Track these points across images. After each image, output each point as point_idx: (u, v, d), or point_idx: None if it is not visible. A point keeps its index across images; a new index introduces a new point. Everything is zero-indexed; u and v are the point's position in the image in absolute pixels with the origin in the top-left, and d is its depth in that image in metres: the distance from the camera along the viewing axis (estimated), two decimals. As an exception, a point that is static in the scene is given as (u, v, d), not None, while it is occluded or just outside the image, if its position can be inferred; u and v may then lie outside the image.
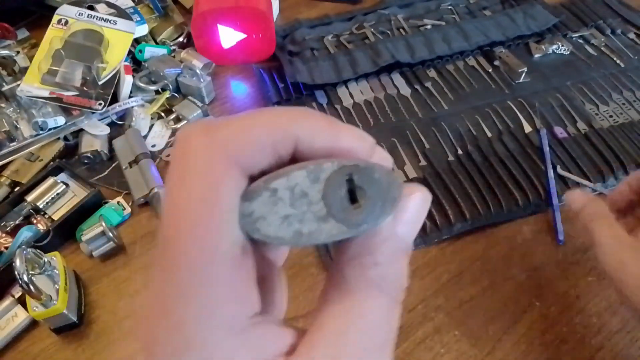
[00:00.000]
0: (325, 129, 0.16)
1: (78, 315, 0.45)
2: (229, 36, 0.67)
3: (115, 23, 0.64)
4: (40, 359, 0.44)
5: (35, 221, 0.51)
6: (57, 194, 0.53)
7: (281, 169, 0.15)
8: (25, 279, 0.40)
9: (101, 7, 0.66)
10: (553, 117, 0.63)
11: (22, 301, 0.45)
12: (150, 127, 0.62)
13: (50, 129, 0.58)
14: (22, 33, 0.73)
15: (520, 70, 0.67)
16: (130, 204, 0.54)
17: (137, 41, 0.68)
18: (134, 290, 0.48)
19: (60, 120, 0.58)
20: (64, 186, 0.54)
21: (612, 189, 0.54)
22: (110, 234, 0.48)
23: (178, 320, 0.15)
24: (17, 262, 0.40)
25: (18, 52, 0.68)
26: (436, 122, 0.62)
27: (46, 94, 0.58)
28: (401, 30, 0.75)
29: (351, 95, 0.66)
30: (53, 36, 0.62)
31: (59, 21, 0.63)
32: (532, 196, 0.54)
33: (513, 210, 0.53)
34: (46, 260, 0.44)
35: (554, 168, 0.56)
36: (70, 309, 0.44)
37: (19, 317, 0.45)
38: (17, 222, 0.51)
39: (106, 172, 0.57)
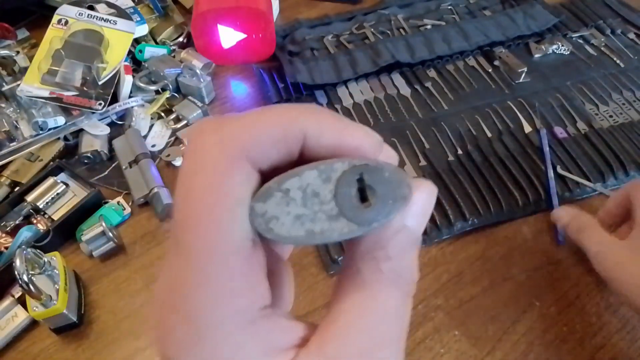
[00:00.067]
0: (333, 124, 0.16)
1: (78, 315, 0.45)
2: (229, 36, 0.67)
3: (115, 23, 0.64)
4: (40, 359, 0.44)
5: (35, 221, 0.51)
6: (57, 194, 0.53)
7: (292, 169, 0.16)
8: (25, 279, 0.40)
9: (101, 7, 0.66)
10: (553, 117, 0.63)
11: (22, 301, 0.45)
12: (150, 127, 0.62)
13: (50, 129, 0.58)
14: (22, 33, 0.73)
15: (520, 70, 0.67)
16: (130, 204, 0.54)
17: (137, 41, 0.68)
18: (134, 290, 0.48)
19: (60, 120, 0.58)
20: (64, 186, 0.54)
21: (612, 189, 0.55)
22: (110, 234, 0.48)
23: (190, 310, 0.15)
24: (17, 262, 0.40)
25: (18, 52, 0.68)
26: (436, 122, 0.62)
27: (46, 94, 0.58)
28: (401, 30, 0.75)
29: (351, 95, 0.66)
30: (53, 36, 0.62)
31: (59, 21, 0.63)
32: (532, 196, 0.54)
33: (513, 210, 0.53)
34: (46, 260, 0.44)
35: (554, 168, 0.56)
36: (70, 309, 0.44)
37: (19, 317, 0.45)
38: (17, 222, 0.51)
39: (106, 172, 0.57)
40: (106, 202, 0.54)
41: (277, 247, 0.20)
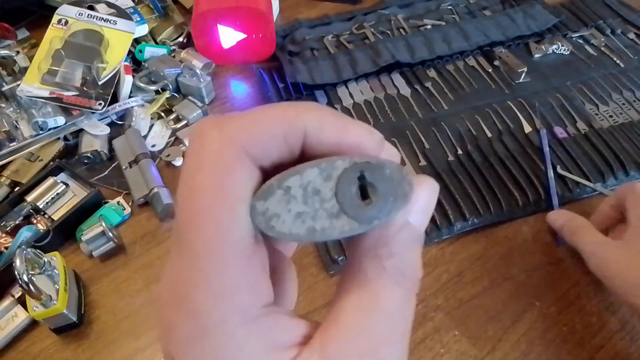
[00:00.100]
0: (334, 121, 0.16)
1: (78, 315, 0.45)
2: (229, 36, 0.67)
3: (115, 23, 0.64)
4: (40, 359, 0.44)
5: (35, 221, 0.51)
6: (57, 194, 0.53)
7: (293, 167, 0.16)
8: (25, 279, 0.40)
9: (101, 7, 0.66)
10: (553, 117, 0.63)
11: (22, 301, 0.45)
12: (150, 127, 0.62)
13: (50, 129, 0.58)
14: (22, 33, 0.73)
15: (520, 70, 0.67)
16: (130, 204, 0.54)
17: (137, 41, 0.68)
18: (134, 290, 0.48)
19: (60, 120, 0.58)
20: (64, 186, 0.54)
21: (612, 189, 0.55)
22: (110, 234, 0.48)
23: (192, 308, 0.15)
24: (17, 262, 0.40)
25: (18, 52, 0.68)
26: (436, 122, 0.62)
27: (46, 94, 0.58)
28: (401, 30, 0.75)
29: (351, 95, 0.66)
30: (53, 36, 0.62)
31: (59, 21, 0.63)
32: (532, 196, 0.54)
33: (513, 210, 0.53)
34: (46, 260, 0.44)
35: (554, 168, 0.56)
36: (70, 309, 0.44)
37: (19, 317, 0.45)
38: (17, 222, 0.51)
39: (106, 172, 0.57)
40: (106, 202, 0.54)
41: (280, 245, 0.20)
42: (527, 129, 0.61)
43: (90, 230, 0.49)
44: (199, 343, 0.15)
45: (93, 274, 0.49)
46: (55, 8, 0.64)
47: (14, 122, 0.58)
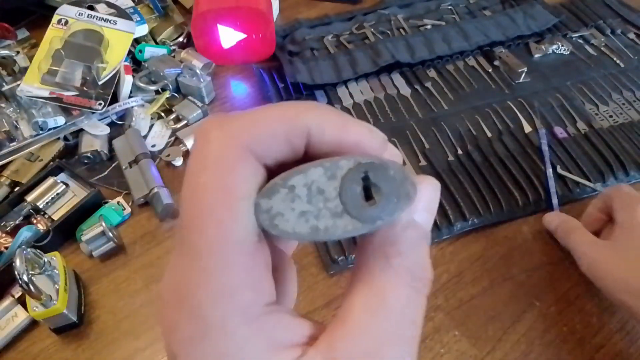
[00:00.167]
0: (336, 120, 0.16)
1: (78, 315, 0.45)
2: (229, 36, 0.67)
3: (115, 23, 0.64)
4: (40, 359, 0.44)
5: (35, 221, 0.51)
6: (57, 194, 0.53)
7: (298, 166, 0.16)
8: (25, 279, 0.40)
9: (101, 7, 0.66)
10: (553, 117, 0.63)
11: (22, 301, 0.45)
12: (150, 127, 0.62)
13: (50, 129, 0.58)
14: (22, 33, 0.73)
15: (520, 70, 0.67)
16: (130, 204, 0.54)
17: (137, 41, 0.68)
18: (133, 290, 0.48)
19: (60, 120, 0.58)
20: (64, 186, 0.54)
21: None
22: (110, 234, 0.48)
23: (194, 307, 0.15)
24: (17, 262, 0.40)
25: (18, 52, 0.68)
26: (436, 122, 0.62)
27: (46, 94, 0.58)
28: (401, 30, 0.75)
29: (351, 95, 0.66)
30: (53, 36, 0.62)
31: (59, 21, 0.63)
32: (532, 196, 0.54)
33: (513, 210, 0.53)
34: (46, 260, 0.44)
35: (554, 168, 0.56)
36: (70, 309, 0.44)
37: (19, 317, 0.45)
38: (17, 222, 0.51)
39: (106, 172, 0.57)
40: (106, 202, 0.54)
41: (280, 243, 0.20)
42: (527, 129, 0.61)
43: (90, 230, 0.49)
44: (200, 343, 0.15)
45: (93, 274, 0.49)
46: (55, 8, 0.64)
47: (14, 122, 0.58)
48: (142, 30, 0.68)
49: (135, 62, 0.67)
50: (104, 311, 0.47)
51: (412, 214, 0.17)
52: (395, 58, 0.67)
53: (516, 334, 0.45)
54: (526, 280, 0.49)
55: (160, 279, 0.16)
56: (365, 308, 0.16)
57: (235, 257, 0.15)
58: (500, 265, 0.50)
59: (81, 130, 0.59)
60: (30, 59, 0.64)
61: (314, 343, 0.16)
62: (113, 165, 0.58)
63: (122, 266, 0.50)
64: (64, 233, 0.51)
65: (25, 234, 0.49)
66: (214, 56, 0.67)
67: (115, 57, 0.62)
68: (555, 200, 0.53)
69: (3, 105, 0.60)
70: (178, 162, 0.58)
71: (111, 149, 0.59)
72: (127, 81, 0.62)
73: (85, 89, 0.59)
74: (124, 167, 0.56)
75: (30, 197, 0.52)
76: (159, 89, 0.64)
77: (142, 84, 0.63)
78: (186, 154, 0.58)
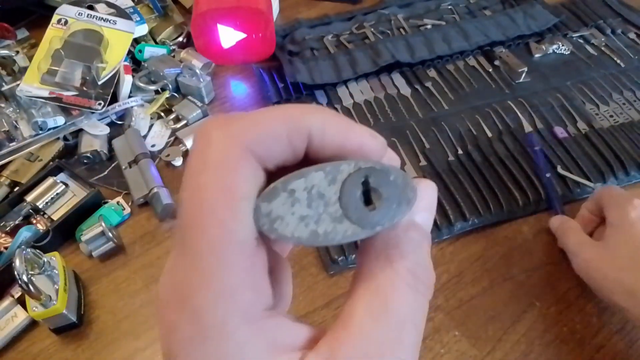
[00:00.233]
0: (337, 123, 0.16)
1: (78, 315, 0.45)
2: (229, 36, 0.67)
3: (115, 23, 0.64)
4: (40, 359, 0.44)
5: (34, 221, 0.51)
6: (57, 194, 0.53)
7: (298, 170, 0.16)
8: (25, 279, 0.40)
9: (101, 7, 0.66)
10: (553, 117, 0.63)
11: (21, 301, 0.45)
12: (150, 127, 0.62)
13: (49, 129, 0.58)
14: (22, 33, 0.73)
15: (520, 70, 0.67)
16: (129, 204, 0.54)
17: (136, 41, 0.68)
18: (133, 291, 0.48)
19: (60, 120, 0.58)
20: (64, 186, 0.54)
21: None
22: (110, 234, 0.48)
23: (194, 309, 0.15)
24: (17, 262, 0.40)
25: (18, 52, 0.68)
26: (436, 122, 0.62)
27: (46, 94, 0.58)
28: (401, 30, 0.75)
29: (351, 95, 0.66)
30: (53, 36, 0.62)
31: (59, 21, 0.63)
32: (532, 196, 0.54)
33: (513, 210, 0.53)
34: (46, 260, 0.44)
35: (554, 168, 0.56)
36: (70, 309, 0.44)
37: (19, 317, 0.45)
38: (16, 222, 0.51)
39: (106, 172, 0.57)
40: (106, 202, 0.54)
41: (276, 245, 0.20)
42: (528, 129, 0.61)
43: (89, 231, 0.49)
44: (200, 344, 0.15)
45: (93, 274, 0.49)
46: (55, 8, 0.64)
47: (14, 122, 0.58)
48: (142, 30, 0.68)
49: (135, 62, 0.67)
50: (104, 311, 0.47)
51: (413, 215, 0.17)
52: (395, 58, 0.67)
53: (516, 334, 0.45)
54: (526, 280, 0.49)
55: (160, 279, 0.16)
56: (368, 312, 0.16)
57: (236, 257, 0.15)
58: (500, 265, 0.50)
59: (81, 130, 0.59)
60: (30, 58, 0.64)
61: (314, 346, 0.16)
62: (113, 165, 0.58)
63: (122, 266, 0.50)
64: (64, 233, 0.51)
65: (24, 234, 0.49)
66: (214, 56, 0.67)
67: (114, 57, 0.62)
68: (555, 201, 0.53)
69: (3, 105, 0.60)
70: (178, 162, 0.58)
71: (111, 149, 0.59)
72: (127, 81, 0.62)
73: (84, 88, 0.59)
74: (123, 167, 0.56)
75: (29, 197, 0.52)
76: (159, 89, 0.64)
77: (141, 84, 0.63)
78: (186, 154, 0.58)
